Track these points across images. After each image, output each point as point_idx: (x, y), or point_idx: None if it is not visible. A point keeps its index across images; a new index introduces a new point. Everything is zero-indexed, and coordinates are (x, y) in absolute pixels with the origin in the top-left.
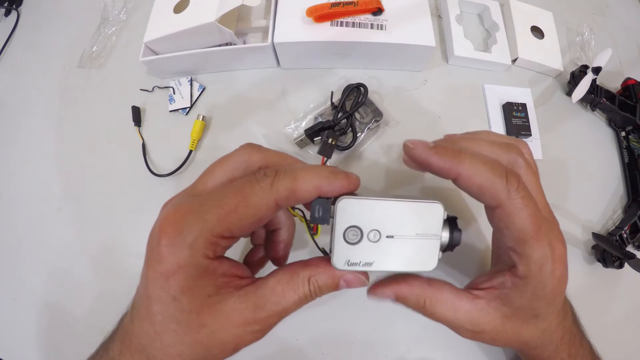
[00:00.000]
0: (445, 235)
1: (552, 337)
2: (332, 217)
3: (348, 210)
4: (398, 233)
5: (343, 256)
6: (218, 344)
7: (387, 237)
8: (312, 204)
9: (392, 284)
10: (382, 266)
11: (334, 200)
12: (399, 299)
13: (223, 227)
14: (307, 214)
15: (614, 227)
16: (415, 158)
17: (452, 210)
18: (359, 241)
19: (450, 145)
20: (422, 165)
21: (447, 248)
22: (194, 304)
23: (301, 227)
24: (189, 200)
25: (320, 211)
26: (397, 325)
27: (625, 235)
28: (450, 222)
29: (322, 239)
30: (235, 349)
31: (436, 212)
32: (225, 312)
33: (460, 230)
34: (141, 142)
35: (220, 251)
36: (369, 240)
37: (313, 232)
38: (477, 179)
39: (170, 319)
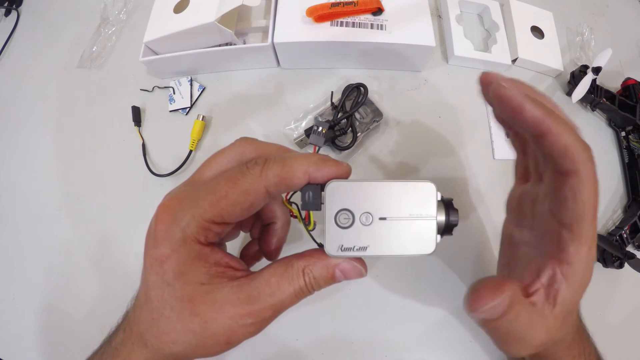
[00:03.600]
0: (441, 216)
1: (573, 331)
2: (323, 204)
3: (338, 193)
4: (390, 215)
5: (336, 241)
6: (210, 335)
7: (379, 219)
8: (302, 190)
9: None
10: (377, 250)
11: (324, 187)
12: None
13: (214, 212)
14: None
15: (614, 227)
16: (506, 98)
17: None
18: (351, 225)
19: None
20: (508, 108)
21: (445, 230)
22: (187, 290)
23: (298, 224)
24: (185, 189)
25: (310, 195)
26: (397, 325)
27: (625, 235)
28: (446, 203)
29: (319, 236)
30: (228, 343)
31: (428, 190)
32: (218, 302)
33: (456, 210)
34: (141, 142)
35: (212, 237)
36: (362, 223)
37: (306, 221)
38: (566, 139)
39: (165, 305)
